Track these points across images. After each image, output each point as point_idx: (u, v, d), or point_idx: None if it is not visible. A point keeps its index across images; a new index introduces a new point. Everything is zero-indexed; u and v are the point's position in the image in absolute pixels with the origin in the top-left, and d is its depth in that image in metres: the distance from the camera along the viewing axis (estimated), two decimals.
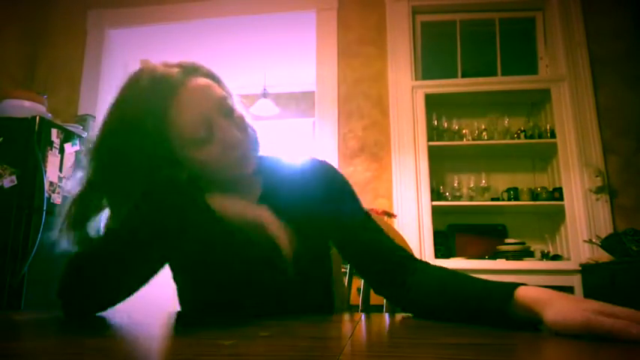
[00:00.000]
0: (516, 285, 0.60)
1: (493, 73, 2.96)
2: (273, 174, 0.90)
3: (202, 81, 0.76)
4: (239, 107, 0.81)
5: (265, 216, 0.75)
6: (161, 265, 0.77)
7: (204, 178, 0.79)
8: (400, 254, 0.82)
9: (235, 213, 0.76)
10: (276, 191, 0.87)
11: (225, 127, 0.75)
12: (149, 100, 0.71)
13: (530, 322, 0.56)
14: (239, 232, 0.76)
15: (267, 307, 0.84)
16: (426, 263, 0.80)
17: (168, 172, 0.74)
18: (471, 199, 2.76)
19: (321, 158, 0.96)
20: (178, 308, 0.93)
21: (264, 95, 4.23)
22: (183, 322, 0.75)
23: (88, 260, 0.72)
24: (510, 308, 0.58)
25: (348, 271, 1.20)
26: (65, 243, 0.74)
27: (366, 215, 0.88)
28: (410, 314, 0.78)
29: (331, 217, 0.87)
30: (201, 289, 0.88)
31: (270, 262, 0.79)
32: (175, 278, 0.91)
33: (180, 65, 0.76)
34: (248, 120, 0.81)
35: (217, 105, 0.75)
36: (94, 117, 2.92)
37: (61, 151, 2.40)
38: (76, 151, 2.51)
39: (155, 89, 0.72)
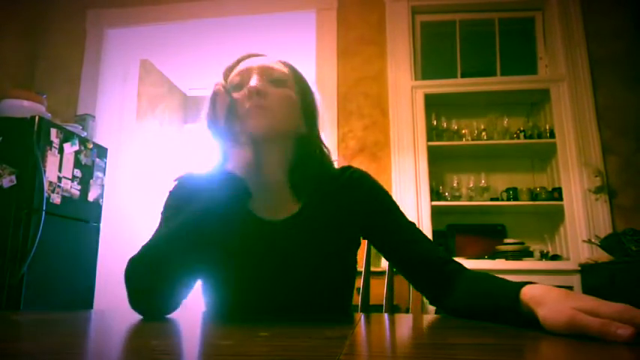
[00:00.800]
0: (525, 283, 0.61)
1: (492, 73, 2.96)
2: (324, 179, 0.91)
3: (262, 57, 0.91)
4: (295, 93, 0.88)
5: None
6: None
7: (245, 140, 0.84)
8: (452, 266, 0.82)
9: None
10: (320, 203, 0.89)
11: (253, 80, 0.83)
12: (227, 67, 0.93)
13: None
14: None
15: (291, 309, 0.85)
16: (465, 269, 0.82)
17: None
18: (471, 199, 2.76)
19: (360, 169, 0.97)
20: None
21: None
22: (183, 322, 0.75)
23: (140, 264, 0.74)
24: (520, 307, 0.59)
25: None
26: None
27: (413, 225, 0.89)
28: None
29: (375, 226, 0.88)
30: (236, 294, 0.87)
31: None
32: (206, 279, 0.90)
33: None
34: (295, 104, 0.87)
35: (260, 68, 0.86)
36: (94, 117, 2.92)
37: (61, 150, 2.40)
38: (75, 151, 2.50)
39: (233, 62, 0.93)
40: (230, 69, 0.91)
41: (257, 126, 0.81)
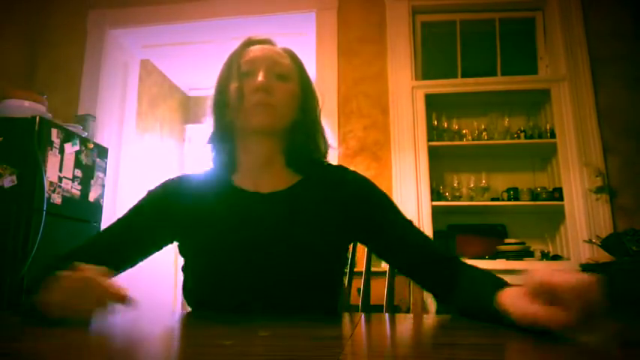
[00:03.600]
0: (501, 287, 0.62)
1: (493, 73, 2.96)
2: (315, 174, 0.93)
3: (269, 45, 0.93)
4: (299, 88, 0.90)
5: None
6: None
7: (239, 131, 0.88)
8: (453, 263, 0.82)
9: None
10: (309, 189, 0.90)
11: (261, 76, 0.84)
12: (235, 52, 0.92)
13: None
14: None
15: (275, 306, 0.82)
16: (467, 265, 0.82)
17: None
18: (471, 199, 2.76)
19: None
20: (180, 308, 0.93)
21: None
22: (183, 322, 0.75)
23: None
24: (498, 311, 0.59)
25: (348, 271, 1.19)
26: None
27: (410, 222, 0.89)
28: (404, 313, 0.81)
29: (373, 225, 0.88)
30: (213, 286, 0.86)
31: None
32: (186, 271, 0.90)
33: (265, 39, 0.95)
34: (297, 97, 0.89)
35: (267, 59, 0.88)
36: (94, 117, 2.92)
37: (61, 151, 2.40)
38: (75, 151, 2.50)
39: (240, 46, 0.93)
40: (237, 55, 0.90)
41: (260, 123, 0.84)
